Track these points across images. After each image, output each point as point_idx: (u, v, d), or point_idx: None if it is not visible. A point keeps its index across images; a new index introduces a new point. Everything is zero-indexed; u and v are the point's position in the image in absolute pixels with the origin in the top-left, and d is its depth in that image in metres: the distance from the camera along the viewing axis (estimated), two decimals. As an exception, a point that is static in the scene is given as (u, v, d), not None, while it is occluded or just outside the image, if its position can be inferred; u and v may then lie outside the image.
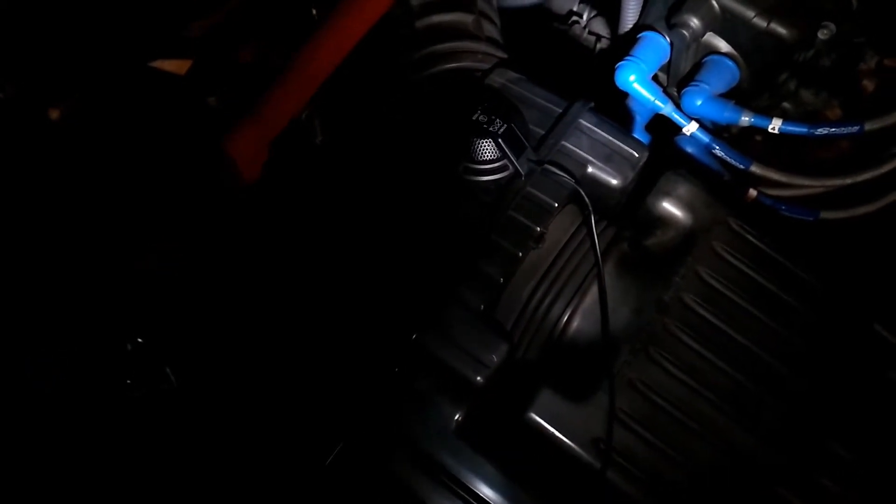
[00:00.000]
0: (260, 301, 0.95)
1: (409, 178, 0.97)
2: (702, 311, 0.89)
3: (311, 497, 0.85)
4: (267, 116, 0.96)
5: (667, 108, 1.11)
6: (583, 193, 0.91)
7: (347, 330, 0.90)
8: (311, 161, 1.05)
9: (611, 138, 0.98)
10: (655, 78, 1.15)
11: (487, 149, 0.91)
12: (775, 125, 1.06)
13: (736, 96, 1.12)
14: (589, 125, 0.99)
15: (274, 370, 0.91)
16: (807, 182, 1.11)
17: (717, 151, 1.11)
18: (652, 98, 1.10)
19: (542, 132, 0.98)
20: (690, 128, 1.11)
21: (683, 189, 0.97)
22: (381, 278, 0.92)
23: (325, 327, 0.91)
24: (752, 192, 1.11)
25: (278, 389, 0.90)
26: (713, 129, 1.15)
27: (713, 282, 0.91)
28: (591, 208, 0.90)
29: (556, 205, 0.91)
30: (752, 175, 1.11)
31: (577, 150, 0.97)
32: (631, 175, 0.97)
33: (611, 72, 1.10)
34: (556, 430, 0.83)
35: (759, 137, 1.18)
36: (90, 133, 1.02)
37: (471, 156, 0.92)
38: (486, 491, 0.81)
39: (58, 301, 0.91)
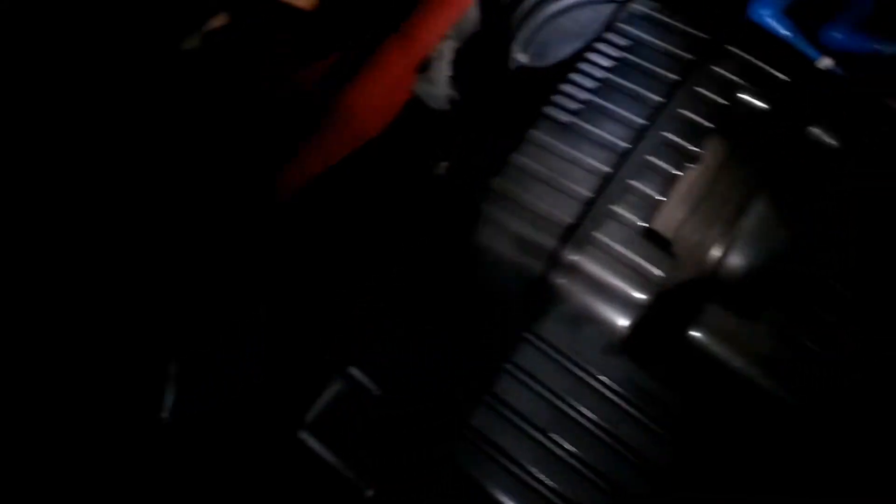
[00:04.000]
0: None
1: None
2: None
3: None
4: (416, 37, 0.93)
5: (801, 45, 1.08)
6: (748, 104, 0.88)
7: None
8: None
9: (758, 62, 0.95)
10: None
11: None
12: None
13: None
14: (733, 49, 0.96)
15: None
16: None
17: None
18: (784, 33, 1.07)
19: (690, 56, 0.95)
20: (825, 62, 1.08)
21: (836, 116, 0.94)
22: None
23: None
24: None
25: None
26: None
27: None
28: (750, 129, 0.88)
29: (712, 125, 0.89)
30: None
31: (725, 73, 0.94)
32: (778, 100, 0.94)
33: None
34: (724, 348, 0.80)
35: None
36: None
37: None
38: (650, 410, 0.78)
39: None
